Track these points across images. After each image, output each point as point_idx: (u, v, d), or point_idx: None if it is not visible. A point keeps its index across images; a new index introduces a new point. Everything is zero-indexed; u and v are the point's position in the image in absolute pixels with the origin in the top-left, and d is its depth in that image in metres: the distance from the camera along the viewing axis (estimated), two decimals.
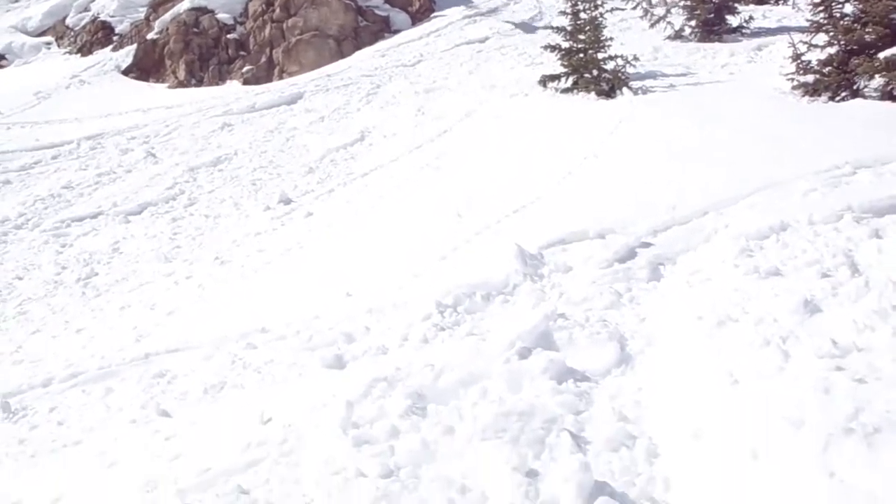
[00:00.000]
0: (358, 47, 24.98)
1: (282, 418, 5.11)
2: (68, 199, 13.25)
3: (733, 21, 19.52)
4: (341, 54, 24.63)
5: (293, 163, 13.67)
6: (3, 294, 9.61)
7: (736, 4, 20.13)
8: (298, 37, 24.96)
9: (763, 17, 21.05)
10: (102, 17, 29.32)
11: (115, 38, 28.56)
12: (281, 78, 24.03)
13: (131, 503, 4.57)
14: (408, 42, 24.24)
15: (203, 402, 5.89)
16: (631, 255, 7.05)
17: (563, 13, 16.06)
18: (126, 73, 25.79)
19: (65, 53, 28.83)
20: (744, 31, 19.21)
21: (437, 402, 4.99)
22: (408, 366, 5.47)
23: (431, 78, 18.79)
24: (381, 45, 24.89)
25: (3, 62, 28.80)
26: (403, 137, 14.27)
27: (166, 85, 24.84)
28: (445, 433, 4.69)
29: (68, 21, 30.04)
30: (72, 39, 29.30)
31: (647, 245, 7.23)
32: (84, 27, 29.38)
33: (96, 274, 9.95)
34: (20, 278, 10.12)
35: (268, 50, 25.21)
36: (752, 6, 22.17)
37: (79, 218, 12.17)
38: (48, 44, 29.73)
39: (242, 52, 25.53)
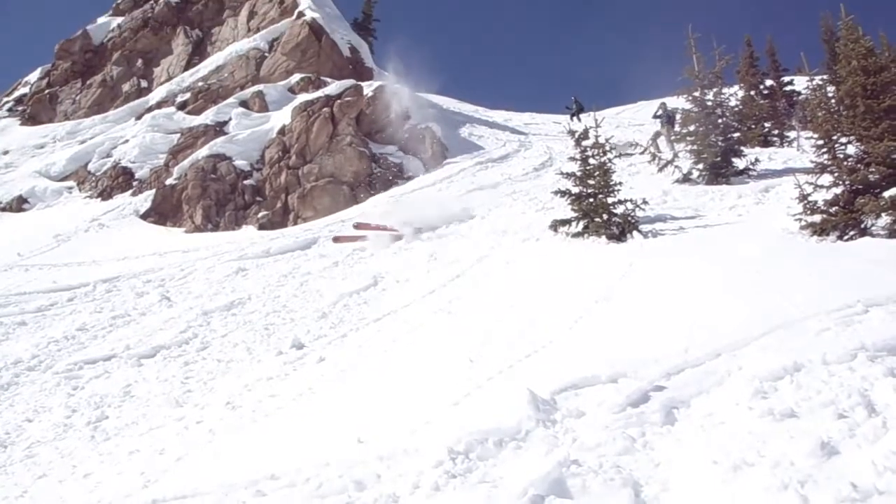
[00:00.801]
0: (372, 193, 25.56)
1: None
2: (82, 341, 13.33)
3: (740, 164, 19.93)
4: (356, 200, 25.17)
5: (306, 307, 13.75)
6: (12, 436, 9.56)
7: (742, 148, 20.59)
8: (314, 183, 25.55)
9: (769, 159, 21.48)
10: (124, 163, 30.21)
11: (135, 182, 29.35)
12: (296, 223, 24.50)
13: None
14: (420, 188, 24.73)
15: None
16: (644, 399, 6.96)
17: (573, 159, 16.38)
18: (144, 217, 26.37)
19: (86, 197, 29.52)
20: (750, 173, 19.57)
21: None
22: None
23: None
24: (394, 190, 25.45)
25: (26, 206, 29.49)
26: (416, 282, 14.40)
27: (183, 229, 25.31)
28: None
29: (90, 166, 30.94)
30: (93, 184, 30.07)
31: (660, 388, 7.15)
32: (105, 172, 30.23)
33: (107, 417, 9.92)
34: (30, 420, 10.09)
35: (283, 195, 25.77)
36: (757, 149, 22.75)
37: (91, 360, 12.20)
38: (70, 188, 30.50)
39: (258, 198, 26.11)
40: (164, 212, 26.29)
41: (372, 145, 28.08)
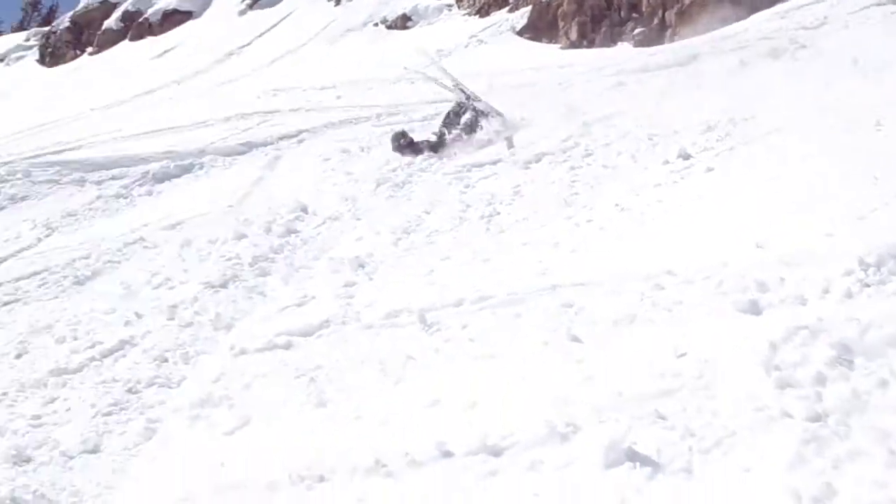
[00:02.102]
0: (756, 9, 23.94)
1: (697, 354, 5.08)
2: None
3: None
4: (737, 17, 23.79)
5: (689, 120, 13.37)
6: (413, 225, 10.38)
7: None
8: None
9: None
10: None
11: (511, 0, 29.71)
12: (672, 41, 23.76)
13: (545, 414, 4.76)
14: (809, 4, 22.88)
15: (613, 332, 5.98)
16: None
17: None
18: (520, 33, 26.84)
19: (464, 15, 30.57)
20: None
21: (864, 357, 4.73)
22: (830, 318, 5.23)
23: (839, 43, 17.49)
24: (780, 6, 23.68)
25: (409, 23, 31.16)
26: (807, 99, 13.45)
27: (559, 46, 25.49)
28: (879, 386, 4.43)
29: None
30: (471, 2, 30.90)
31: None
32: None
33: (498, 213, 10.41)
34: (427, 213, 10.85)
35: (661, 12, 25.00)
36: None
37: (479, 164, 12.82)
38: (449, 6, 31.67)
39: (634, 15, 25.53)
40: (539, 28, 26.54)
41: None
